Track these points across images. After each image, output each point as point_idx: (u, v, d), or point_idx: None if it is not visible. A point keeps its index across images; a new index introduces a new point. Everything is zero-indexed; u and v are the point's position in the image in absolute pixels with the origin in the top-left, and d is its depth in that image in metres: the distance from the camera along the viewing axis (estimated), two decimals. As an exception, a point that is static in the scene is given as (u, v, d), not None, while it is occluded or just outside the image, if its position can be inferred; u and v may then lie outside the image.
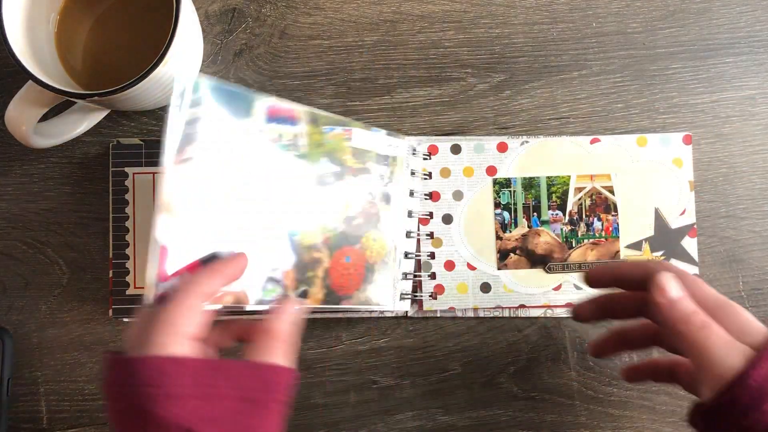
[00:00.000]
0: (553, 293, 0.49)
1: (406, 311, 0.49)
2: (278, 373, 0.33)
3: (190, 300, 0.32)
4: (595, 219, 0.50)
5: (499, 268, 0.50)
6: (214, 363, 0.31)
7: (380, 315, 0.49)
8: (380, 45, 0.51)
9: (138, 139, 0.50)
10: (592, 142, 0.50)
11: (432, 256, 0.50)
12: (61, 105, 0.44)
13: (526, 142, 0.50)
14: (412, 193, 0.49)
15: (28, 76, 0.40)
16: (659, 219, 0.50)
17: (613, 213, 0.50)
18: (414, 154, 0.49)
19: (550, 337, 0.50)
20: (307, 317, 0.49)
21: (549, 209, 0.50)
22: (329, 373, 0.50)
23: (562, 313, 0.50)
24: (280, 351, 0.34)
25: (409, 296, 0.49)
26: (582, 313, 0.41)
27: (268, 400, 0.32)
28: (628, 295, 0.39)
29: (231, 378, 0.31)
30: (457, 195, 0.50)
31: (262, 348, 0.34)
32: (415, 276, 0.49)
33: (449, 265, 0.50)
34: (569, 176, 0.50)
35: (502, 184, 0.50)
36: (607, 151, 0.50)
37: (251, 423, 0.31)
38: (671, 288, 0.34)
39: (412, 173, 0.49)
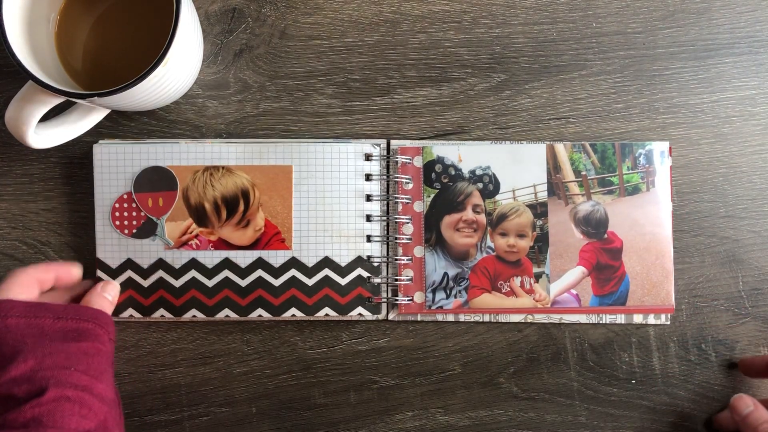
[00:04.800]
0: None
1: (385, 316, 0.49)
2: (101, 314, 0.44)
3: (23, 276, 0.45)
4: None
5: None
6: (42, 303, 0.43)
7: (376, 318, 0.49)
8: (380, 45, 0.51)
9: (119, 140, 0.49)
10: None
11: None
12: (61, 105, 0.44)
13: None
14: (369, 198, 0.49)
15: (28, 76, 0.40)
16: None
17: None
18: (395, 156, 0.49)
19: (550, 337, 0.50)
20: (305, 319, 0.49)
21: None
22: (329, 373, 0.50)
23: (557, 319, 0.50)
24: (104, 303, 0.46)
25: (388, 300, 0.49)
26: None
27: (90, 329, 0.42)
28: None
29: (52, 309, 0.42)
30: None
31: (89, 299, 0.46)
32: (396, 280, 0.49)
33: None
34: None
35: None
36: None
37: (80, 346, 0.41)
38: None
39: (393, 178, 0.49)
